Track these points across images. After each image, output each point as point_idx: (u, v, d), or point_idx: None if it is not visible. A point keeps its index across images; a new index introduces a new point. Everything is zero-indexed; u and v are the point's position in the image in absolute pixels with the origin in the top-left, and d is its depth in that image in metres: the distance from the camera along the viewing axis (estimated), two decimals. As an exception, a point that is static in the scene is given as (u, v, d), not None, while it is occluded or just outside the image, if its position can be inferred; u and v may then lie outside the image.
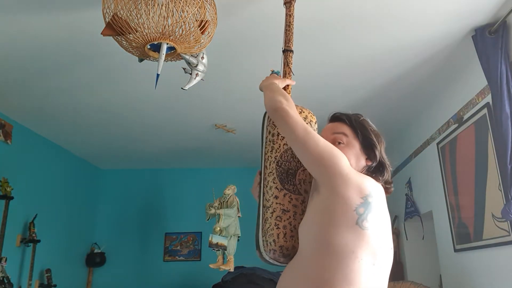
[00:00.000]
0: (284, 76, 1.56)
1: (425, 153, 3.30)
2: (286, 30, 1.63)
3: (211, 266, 3.34)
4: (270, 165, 1.28)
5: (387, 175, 1.23)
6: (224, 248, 3.31)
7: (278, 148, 1.29)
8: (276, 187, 1.24)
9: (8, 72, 2.60)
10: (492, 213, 2.31)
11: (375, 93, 2.96)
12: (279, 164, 1.26)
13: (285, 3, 1.69)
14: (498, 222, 2.24)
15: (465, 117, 2.60)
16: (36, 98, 2.99)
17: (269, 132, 1.34)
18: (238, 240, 3.42)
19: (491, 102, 2.20)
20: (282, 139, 1.30)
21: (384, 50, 2.40)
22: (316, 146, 1.14)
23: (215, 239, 3.31)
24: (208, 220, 3.53)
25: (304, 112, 1.37)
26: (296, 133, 1.17)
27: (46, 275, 3.59)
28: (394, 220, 3.98)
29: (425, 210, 3.33)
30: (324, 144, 1.15)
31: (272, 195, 1.24)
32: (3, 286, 2.93)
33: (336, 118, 1.32)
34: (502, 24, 2.06)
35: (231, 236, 3.34)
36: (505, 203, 2.04)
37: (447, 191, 2.89)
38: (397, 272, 3.78)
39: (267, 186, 1.27)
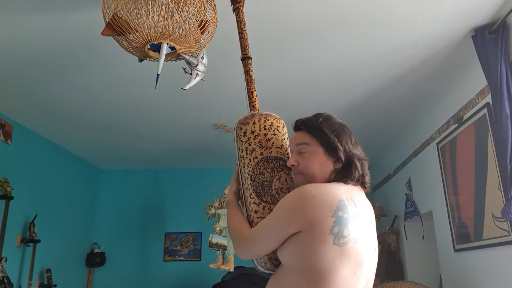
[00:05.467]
0: (247, 84, 1.57)
1: (425, 153, 3.30)
2: (240, 37, 1.63)
3: (211, 266, 3.33)
4: (245, 181, 1.28)
5: (357, 173, 1.18)
6: (224, 248, 3.31)
7: (249, 163, 1.28)
8: (254, 202, 1.24)
9: (8, 72, 2.60)
10: (492, 213, 2.31)
11: (375, 93, 2.96)
12: (253, 179, 1.26)
13: (233, 10, 1.69)
14: (498, 222, 2.24)
15: (465, 117, 2.60)
16: (36, 98, 2.99)
17: (239, 148, 1.33)
18: (238, 240, 3.42)
19: (491, 102, 2.20)
20: (251, 153, 1.28)
21: (384, 50, 2.40)
22: (269, 228, 1.15)
23: (215, 239, 3.31)
24: (208, 220, 3.54)
25: (269, 119, 1.34)
26: (250, 240, 1.20)
27: (46, 275, 3.59)
28: (394, 220, 3.98)
29: (425, 210, 3.33)
30: (269, 221, 1.16)
31: (252, 210, 1.25)
32: (3, 286, 2.93)
33: (296, 127, 1.28)
34: (502, 24, 2.06)
35: (231, 236, 3.33)
36: (505, 203, 2.04)
37: (447, 191, 2.89)
38: (397, 272, 3.78)
39: (247, 202, 1.27)
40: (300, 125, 1.27)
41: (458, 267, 2.76)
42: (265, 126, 1.32)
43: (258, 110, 1.49)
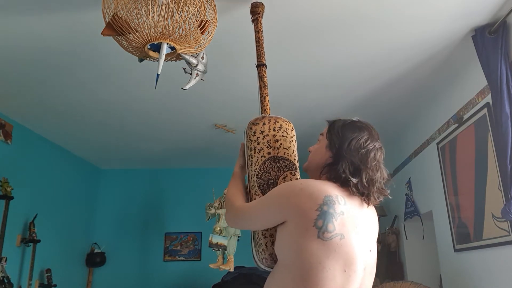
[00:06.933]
0: (260, 89, 1.65)
1: (425, 153, 3.30)
2: (256, 46, 1.72)
3: (211, 266, 3.33)
4: (252, 178, 1.33)
5: (341, 171, 1.16)
6: (224, 248, 3.30)
7: (256, 161, 1.33)
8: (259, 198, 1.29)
9: (8, 72, 2.60)
10: (492, 213, 2.31)
11: (375, 93, 2.96)
12: (259, 176, 1.31)
13: (252, 21, 1.79)
14: (498, 222, 2.24)
15: (465, 117, 2.60)
16: (36, 98, 2.99)
17: (248, 147, 1.38)
18: (238, 240, 3.42)
19: (491, 102, 2.20)
20: (259, 152, 1.34)
21: (384, 50, 2.40)
22: (259, 206, 1.23)
23: (215, 239, 3.31)
24: (208, 220, 3.53)
25: (278, 121, 1.41)
26: (244, 213, 1.27)
27: (46, 275, 3.59)
28: (394, 220, 3.99)
29: (425, 210, 3.33)
30: (259, 204, 1.23)
31: None
32: (3, 286, 2.93)
33: (327, 122, 1.36)
34: (502, 24, 2.06)
35: (231, 236, 3.34)
36: (505, 203, 2.04)
37: (447, 191, 2.89)
38: (397, 272, 3.78)
39: (252, 198, 1.31)
40: (329, 121, 1.34)
41: (458, 267, 2.76)
42: (275, 127, 1.39)
43: (269, 114, 1.56)
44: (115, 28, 1.52)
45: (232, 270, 3.32)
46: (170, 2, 1.50)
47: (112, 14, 1.53)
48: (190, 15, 1.56)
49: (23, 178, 3.43)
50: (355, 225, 1.12)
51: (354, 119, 1.30)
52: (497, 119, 2.04)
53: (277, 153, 1.34)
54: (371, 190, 1.18)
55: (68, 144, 4.07)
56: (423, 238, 3.52)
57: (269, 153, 1.34)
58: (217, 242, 3.30)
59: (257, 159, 1.33)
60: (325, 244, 1.05)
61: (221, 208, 3.42)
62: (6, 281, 2.96)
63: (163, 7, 1.49)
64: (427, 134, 3.24)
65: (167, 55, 1.63)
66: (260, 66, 1.68)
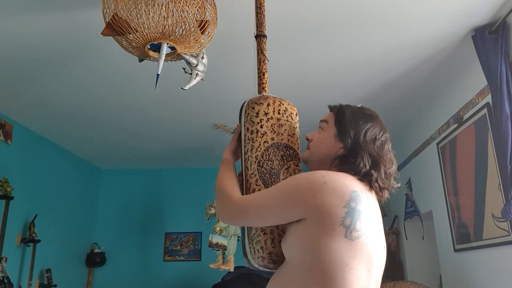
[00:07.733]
0: (259, 64, 1.44)
1: (425, 153, 3.30)
2: (257, 12, 1.49)
3: (211, 266, 3.34)
4: (251, 165, 1.17)
5: (362, 164, 1.06)
6: (224, 248, 3.31)
7: (258, 147, 1.17)
8: (259, 190, 1.14)
9: (9, 72, 2.60)
10: (492, 213, 2.31)
11: (375, 93, 2.96)
12: (261, 164, 1.15)
13: None
14: (498, 222, 2.24)
15: (465, 117, 2.60)
16: (36, 98, 2.99)
17: (247, 129, 1.21)
18: (238, 240, 3.43)
19: (491, 102, 2.20)
20: (262, 137, 1.17)
21: (384, 50, 2.40)
22: (272, 200, 1.05)
23: (215, 239, 3.31)
24: (208, 220, 3.54)
25: (283, 104, 1.24)
26: (248, 207, 1.09)
27: (46, 275, 3.59)
28: (394, 220, 3.98)
29: (425, 210, 3.33)
30: (271, 196, 1.06)
31: None
32: (3, 286, 2.93)
33: (329, 108, 1.24)
34: (502, 24, 2.06)
35: (231, 236, 3.34)
36: (505, 203, 2.04)
37: (447, 191, 2.89)
38: (397, 272, 3.78)
39: (250, 189, 1.15)
40: (332, 106, 1.22)
41: (458, 267, 2.76)
42: (279, 110, 1.23)
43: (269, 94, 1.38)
44: (115, 28, 1.52)
45: (232, 270, 3.32)
46: (170, 2, 1.50)
47: (112, 14, 1.53)
48: (190, 15, 1.56)
49: (23, 178, 3.43)
50: (376, 222, 1.05)
51: (359, 105, 1.20)
52: (497, 119, 2.04)
53: (281, 140, 1.18)
54: (387, 185, 1.10)
55: (68, 144, 4.07)
56: (423, 238, 3.53)
57: (272, 138, 1.18)
58: (217, 242, 3.30)
59: (259, 144, 1.17)
60: (352, 244, 0.96)
61: (221, 208, 3.42)
62: (6, 281, 2.96)
63: (163, 7, 1.49)
64: (427, 134, 3.24)
65: (167, 55, 1.63)
66: (260, 36, 1.46)
